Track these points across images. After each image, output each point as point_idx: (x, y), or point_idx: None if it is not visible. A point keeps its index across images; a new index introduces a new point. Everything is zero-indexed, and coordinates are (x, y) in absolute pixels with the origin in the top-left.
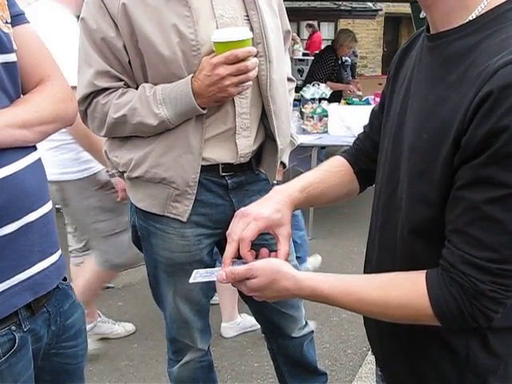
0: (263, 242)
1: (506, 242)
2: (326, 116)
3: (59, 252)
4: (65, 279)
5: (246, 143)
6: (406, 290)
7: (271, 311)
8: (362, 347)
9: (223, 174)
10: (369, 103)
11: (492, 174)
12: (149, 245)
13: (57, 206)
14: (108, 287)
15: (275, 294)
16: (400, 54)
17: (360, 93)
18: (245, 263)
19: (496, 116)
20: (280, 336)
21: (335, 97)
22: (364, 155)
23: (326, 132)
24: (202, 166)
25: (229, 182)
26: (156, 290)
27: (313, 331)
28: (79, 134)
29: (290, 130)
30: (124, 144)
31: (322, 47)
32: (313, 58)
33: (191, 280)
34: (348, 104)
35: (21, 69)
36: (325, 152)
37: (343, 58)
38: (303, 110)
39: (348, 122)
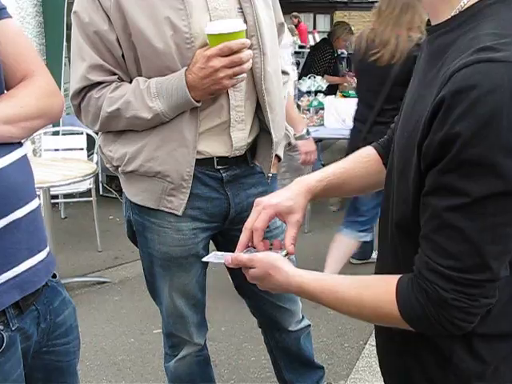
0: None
1: (467, 251)
2: (323, 109)
3: (47, 249)
4: (54, 276)
5: (241, 136)
6: (378, 292)
7: (268, 305)
8: (358, 341)
9: (218, 167)
10: None
11: (451, 181)
12: (144, 239)
13: (52, 201)
14: (104, 282)
15: (270, 285)
16: (423, 48)
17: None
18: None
19: (449, 122)
20: (277, 330)
21: (331, 89)
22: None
23: (322, 125)
24: (197, 159)
25: (224, 175)
26: (152, 285)
27: (310, 325)
28: None
29: (284, 122)
30: (118, 138)
31: (310, 37)
32: (308, 50)
33: (204, 258)
34: (344, 97)
35: (4, 64)
36: (321, 145)
37: (339, 50)
38: (299, 103)
39: (344, 114)
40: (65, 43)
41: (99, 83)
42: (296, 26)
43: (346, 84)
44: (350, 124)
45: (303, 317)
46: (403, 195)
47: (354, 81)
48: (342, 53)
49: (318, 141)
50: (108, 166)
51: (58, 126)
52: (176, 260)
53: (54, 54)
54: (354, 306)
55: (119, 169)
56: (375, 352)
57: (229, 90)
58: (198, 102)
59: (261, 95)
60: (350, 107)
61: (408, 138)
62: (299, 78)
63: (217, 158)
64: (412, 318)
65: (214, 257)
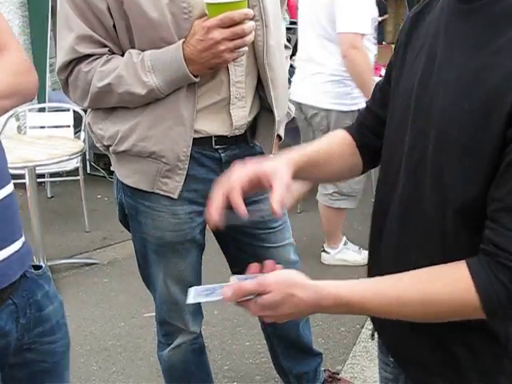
0: (258, 219)
1: None
2: None
3: (22, 239)
4: (37, 268)
5: (241, 114)
6: (449, 283)
7: None
8: (355, 325)
9: (216, 146)
10: None
11: None
12: (137, 224)
13: (38, 180)
14: (92, 263)
15: (292, 309)
16: (411, 20)
17: None
18: (247, 278)
19: None
20: None
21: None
22: (367, 130)
23: None
24: (194, 138)
25: (222, 155)
26: (145, 271)
27: None
28: (355, 73)
29: (287, 100)
30: (109, 115)
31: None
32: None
33: (190, 300)
34: None
35: None
36: None
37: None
38: (292, 79)
39: None
40: (50, 14)
41: (88, 56)
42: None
43: None
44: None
45: None
46: (470, 175)
47: None
48: None
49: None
50: (98, 145)
51: (44, 102)
52: (171, 245)
53: (39, 27)
54: (418, 305)
55: (110, 148)
56: None
57: (229, 65)
58: (196, 76)
59: (263, 70)
60: None
61: (474, 109)
62: (292, 55)
63: (215, 137)
64: (494, 303)
65: (200, 295)
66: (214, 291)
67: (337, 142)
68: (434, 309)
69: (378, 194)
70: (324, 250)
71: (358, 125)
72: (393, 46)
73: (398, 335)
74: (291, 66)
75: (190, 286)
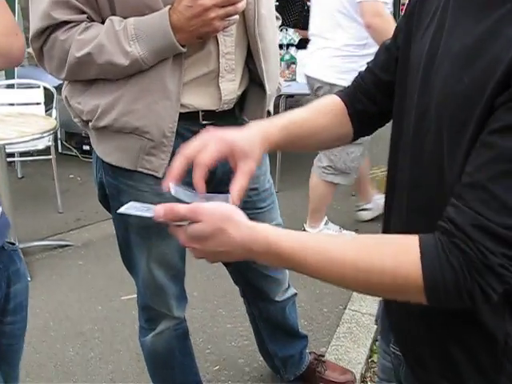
0: (246, 199)
1: None
2: (295, 63)
3: (0, 209)
4: (11, 243)
5: (231, 88)
6: (394, 252)
7: (253, 273)
8: (337, 305)
9: (204, 122)
10: None
11: None
12: (119, 204)
13: (8, 160)
14: (66, 245)
15: (219, 247)
16: None
17: None
18: (193, 198)
19: None
20: (261, 300)
21: (303, 43)
22: (362, 93)
23: (295, 80)
24: (180, 113)
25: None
26: (127, 254)
27: (296, 294)
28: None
29: (278, 73)
30: (89, 88)
31: None
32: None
33: (121, 209)
34: None
35: None
36: (292, 101)
37: (308, 3)
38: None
39: None
40: None
41: (65, 23)
42: None
43: None
44: None
45: (289, 285)
46: (465, 149)
47: None
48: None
49: (289, 96)
50: (76, 120)
51: (13, 78)
52: (155, 227)
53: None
54: (355, 271)
55: (90, 124)
56: (356, 317)
57: (218, 35)
58: (183, 46)
59: (253, 41)
60: None
61: (473, 82)
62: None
63: (202, 111)
64: (438, 286)
65: (134, 207)
66: (149, 209)
67: (324, 112)
68: (372, 277)
69: (388, 172)
70: (304, 230)
71: (354, 88)
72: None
73: (402, 323)
74: (306, 40)
75: (175, 270)
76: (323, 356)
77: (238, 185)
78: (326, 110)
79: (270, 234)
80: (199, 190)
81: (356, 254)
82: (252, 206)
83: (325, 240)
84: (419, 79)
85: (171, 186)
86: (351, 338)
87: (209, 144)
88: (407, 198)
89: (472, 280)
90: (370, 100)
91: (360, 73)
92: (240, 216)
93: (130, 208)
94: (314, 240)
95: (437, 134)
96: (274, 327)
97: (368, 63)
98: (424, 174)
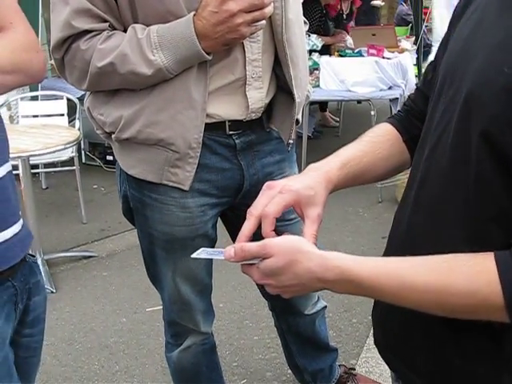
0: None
1: None
2: (318, 69)
3: (21, 222)
4: (32, 255)
5: (258, 96)
6: (470, 273)
7: None
8: (367, 315)
9: (230, 132)
10: (361, 55)
11: None
12: (143, 218)
13: (32, 171)
14: (90, 256)
15: (293, 280)
16: None
17: (351, 44)
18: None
19: None
20: (291, 314)
21: (326, 49)
22: (416, 117)
23: (318, 86)
24: (206, 123)
25: (237, 141)
26: (152, 269)
27: (325, 306)
28: None
29: (307, 79)
30: (111, 99)
31: None
32: None
33: (194, 255)
34: (341, 56)
35: None
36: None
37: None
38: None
39: (341, 75)
40: None
41: (87, 32)
42: None
43: (342, 44)
44: (349, 85)
45: (319, 298)
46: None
47: (341, 39)
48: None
49: (313, 103)
50: (99, 132)
51: (36, 90)
52: (181, 241)
53: (29, 12)
54: (432, 293)
55: (113, 136)
56: None
57: (244, 42)
58: (208, 54)
59: (281, 47)
60: (348, 67)
61: None
62: None
63: (229, 121)
64: None
65: (205, 253)
66: (220, 253)
67: (381, 141)
68: (450, 300)
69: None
70: None
71: (405, 112)
72: (393, 27)
73: (394, 331)
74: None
75: (202, 285)
76: (354, 369)
77: (308, 233)
78: (383, 140)
79: (343, 261)
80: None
81: (431, 277)
82: (281, 218)
83: (398, 265)
84: (449, 75)
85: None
86: None
87: (274, 196)
88: (414, 192)
89: None
90: (423, 123)
91: (409, 96)
92: (309, 246)
93: (201, 253)
94: (388, 265)
95: (460, 126)
96: (303, 341)
97: (416, 84)
98: (436, 167)
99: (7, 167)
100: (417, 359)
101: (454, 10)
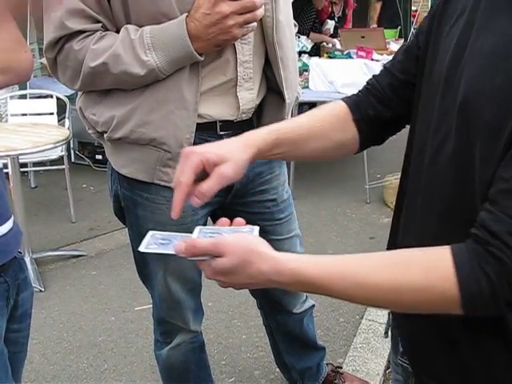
0: (264, 210)
1: None
2: (307, 70)
3: (13, 218)
4: (19, 252)
5: (249, 97)
6: (426, 269)
7: None
8: (354, 315)
9: (221, 132)
10: (351, 57)
11: None
12: (135, 217)
13: (22, 170)
14: (79, 255)
15: (246, 279)
16: None
17: (339, 46)
18: (214, 234)
19: None
20: (279, 312)
21: (315, 50)
22: (375, 97)
23: (307, 87)
24: (197, 123)
25: None
26: (143, 268)
27: (313, 305)
28: None
29: (297, 81)
30: (103, 99)
31: None
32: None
33: (141, 248)
34: (330, 58)
35: None
36: (306, 109)
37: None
38: None
39: (331, 76)
40: None
41: (80, 32)
42: None
43: (330, 45)
44: (338, 87)
45: (307, 297)
46: (489, 158)
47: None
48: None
49: (301, 104)
50: (90, 131)
51: (25, 89)
52: None
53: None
54: (387, 291)
55: (105, 135)
56: (373, 327)
57: (236, 43)
58: (200, 55)
59: (271, 49)
60: (337, 69)
61: (508, 81)
62: None
63: (220, 122)
64: (474, 296)
65: (155, 243)
66: (171, 242)
67: (323, 116)
68: (406, 296)
69: (401, 176)
70: None
71: (365, 91)
72: (383, 29)
73: (413, 334)
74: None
75: (192, 283)
76: (341, 367)
77: (203, 185)
78: (327, 115)
79: (295, 263)
80: (175, 211)
81: (386, 275)
82: (271, 217)
83: (351, 263)
84: (443, 80)
85: (146, 238)
86: (369, 348)
87: (186, 162)
88: (420, 199)
89: (510, 289)
90: (383, 104)
91: (374, 76)
92: (264, 246)
93: (149, 245)
94: (340, 264)
95: (459, 135)
96: (291, 339)
97: (384, 65)
98: (440, 176)
99: None
100: (435, 364)
101: (436, 6)
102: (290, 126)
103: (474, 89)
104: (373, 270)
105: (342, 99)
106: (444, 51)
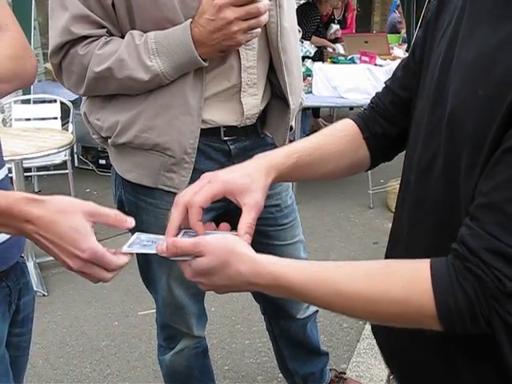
0: (268, 216)
1: None
2: (310, 75)
3: None
4: (21, 256)
5: (253, 102)
6: (404, 281)
7: None
8: (358, 321)
9: (225, 138)
10: (354, 62)
11: None
12: (139, 222)
13: (26, 174)
14: None
15: (225, 281)
16: None
17: (341, 51)
18: (195, 235)
19: None
20: (282, 318)
21: (319, 55)
22: (380, 115)
23: (311, 92)
24: (202, 129)
25: (231, 147)
26: (147, 273)
27: (317, 311)
28: None
29: (301, 86)
30: (108, 104)
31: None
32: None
33: (124, 248)
34: (334, 63)
35: None
36: (309, 113)
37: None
38: None
39: (334, 81)
40: (33, 1)
41: (85, 37)
42: None
43: (331, 50)
44: (342, 92)
45: None
46: (481, 166)
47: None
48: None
49: (305, 109)
50: (95, 136)
51: (29, 93)
52: None
53: (22, 15)
54: (364, 301)
55: (109, 140)
56: None
57: (240, 49)
58: (204, 60)
59: (276, 54)
60: (341, 74)
61: (488, 95)
62: None
63: (224, 127)
64: (452, 314)
65: (139, 243)
66: (154, 244)
67: (337, 137)
68: (383, 308)
69: (399, 187)
70: None
71: (370, 109)
72: (386, 34)
73: (399, 349)
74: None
75: (196, 288)
76: (344, 373)
77: (244, 221)
78: (339, 135)
79: (275, 266)
80: (199, 232)
81: (364, 284)
82: (274, 223)
83: (332, 270)
84: (432, 91)
85: (131, 238)
86: (372, 354)
87: (205, 186)
88: (412, 213)
89: (489, 306)
90: (389, 122)
91: (377, 93)
92: (244, 247)
93: (133, 245)
94: (321, 271)
95: (448, 149)
96: (294, 345)
97: (385, 82)
98: (430, 190)
99: (5, 170)
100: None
101: (429, 10)
102: (307, 148)
103: (459, 100)
104: (352, 278)
105: (351, 118)
106: (434, 63)
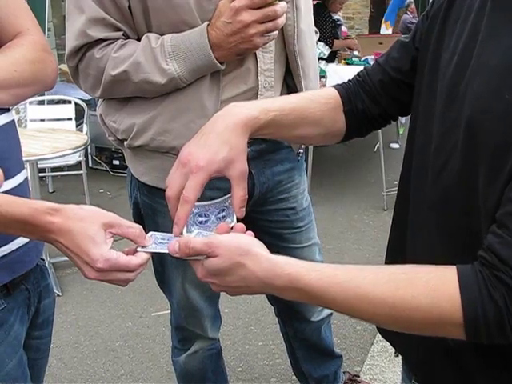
0: (283, 218)
1: None
2: (324, 77)
3: None
4: (41, 259)
5: None
6: (430, 287)
7: None
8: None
9: None
10: (368, 63)
11: None
12: (154, 224)
13: (40, 175)
14: None
15: (239, 282)
16: None
17: (356, 52)
18: (209, 234)
19: None
20: (297, 320)
21: (332, 57)
22: (365, 91)
23: None
24: None
25: (248, 150)
26: (162, 276)
27: (331, 313)
28: None
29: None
30: (124, 106)
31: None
32: None
33: (139, 248)
34: (348, 64)
35: None
36: None
37: (334, 15)
38: None
39: None
40: (48, 3)
41: (101, 40)
42: None
43: (349, 49)
44: None
45: None
46: (496, 178)
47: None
48: (338, 19)
49: None
50: (111, 138)
51: (44, 94)
52: None
53: (37, 17)
54: (387, 307)
55: (125, 143)
56: None
57: (256, 52)
58: (221, 64)
59: (292, 57)
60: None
61: None
62: None
63: None
64: (479, 324)
65: (154, 242)
66: (168, 242)
67: (320, 102)
68: (406, 314)
69: (399, 189)
70: None
71: (356, 82)
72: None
73: (421, 357)
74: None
75: (210, 291)
76: (358, 376)
77: (236, 196)
78: (321, 102)
79: (293, 268)
80: (180, 226)
81: (388, 290)
82: (290, 226)
83: (353, 274)
84: (444, 92)
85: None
86: (386, 356)
87: (190, 178)
88: (426, 216)
89: None
90: (372, 100)
91: (366, 68)
92: (259, 248)
93: (150, 244)
94: (342, 274)
95: (466, 152)
96: (309, 347)
97: (377, 59)
98: (443, 192)
99: (24, 174)
100: None
101: (431, 7)
102: (286, 108)
103: (481, 104)
104: (376, 283)
105: (335, 87)
106: (446, 60)
